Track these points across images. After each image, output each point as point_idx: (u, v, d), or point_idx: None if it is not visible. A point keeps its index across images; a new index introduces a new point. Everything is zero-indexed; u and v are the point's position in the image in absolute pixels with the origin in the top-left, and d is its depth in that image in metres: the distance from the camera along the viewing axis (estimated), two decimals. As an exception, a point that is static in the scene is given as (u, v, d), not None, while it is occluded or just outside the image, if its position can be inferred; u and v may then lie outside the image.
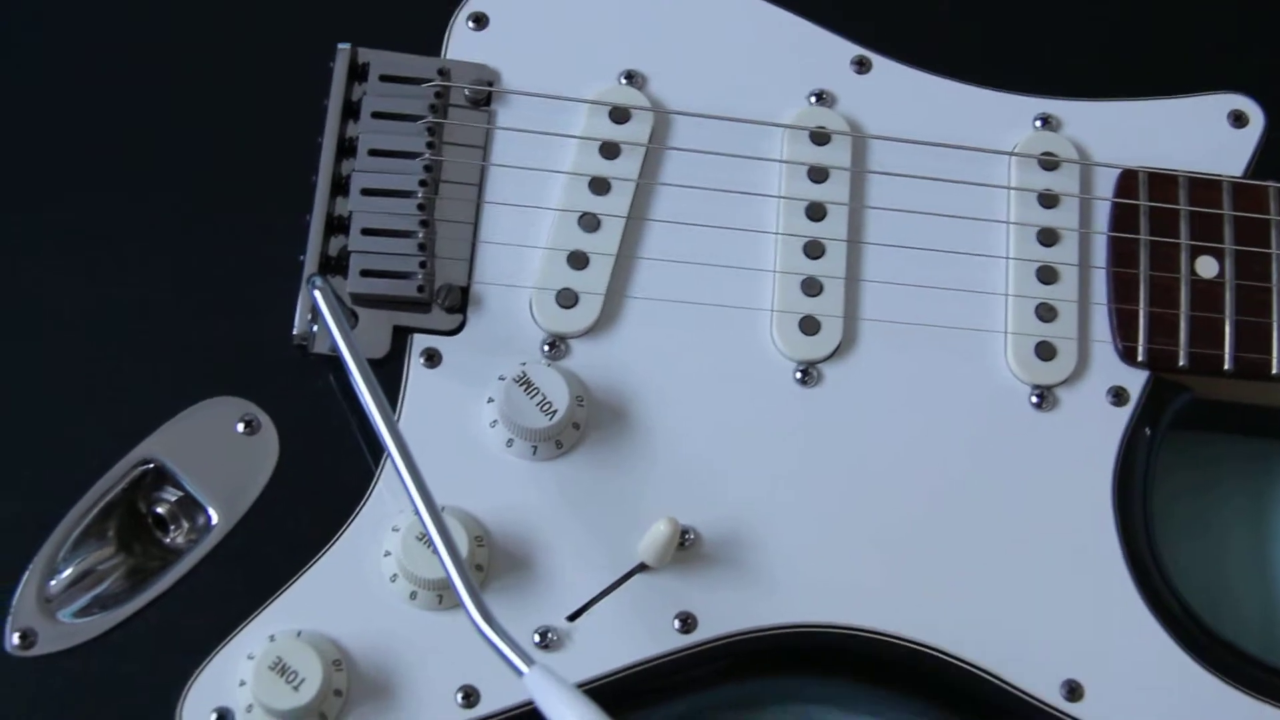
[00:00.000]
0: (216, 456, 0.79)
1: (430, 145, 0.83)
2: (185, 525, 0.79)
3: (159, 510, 0.80)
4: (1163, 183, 0.86)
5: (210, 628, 0.76)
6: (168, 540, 0.79)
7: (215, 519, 0.78)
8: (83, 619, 0.77)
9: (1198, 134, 0.87)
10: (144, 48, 0.85)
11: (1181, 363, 0.83)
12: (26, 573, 0.77)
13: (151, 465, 0.79)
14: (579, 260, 0.83)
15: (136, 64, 0.84)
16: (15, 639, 0.76)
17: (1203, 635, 0.81)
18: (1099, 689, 0.79)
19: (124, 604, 0.77)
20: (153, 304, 0.81)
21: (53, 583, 0.77)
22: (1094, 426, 0.83)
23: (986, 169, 0.86)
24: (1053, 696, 0.79)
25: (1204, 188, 0.86)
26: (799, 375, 0.83)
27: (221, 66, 0.85)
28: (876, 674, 0.81)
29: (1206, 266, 0.85)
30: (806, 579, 0.80)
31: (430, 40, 0.86)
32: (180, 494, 0.79)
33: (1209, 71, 0.88)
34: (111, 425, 0.79)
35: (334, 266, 0.82)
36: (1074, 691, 0.79)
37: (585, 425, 0.81)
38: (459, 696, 0.77)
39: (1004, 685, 0.79)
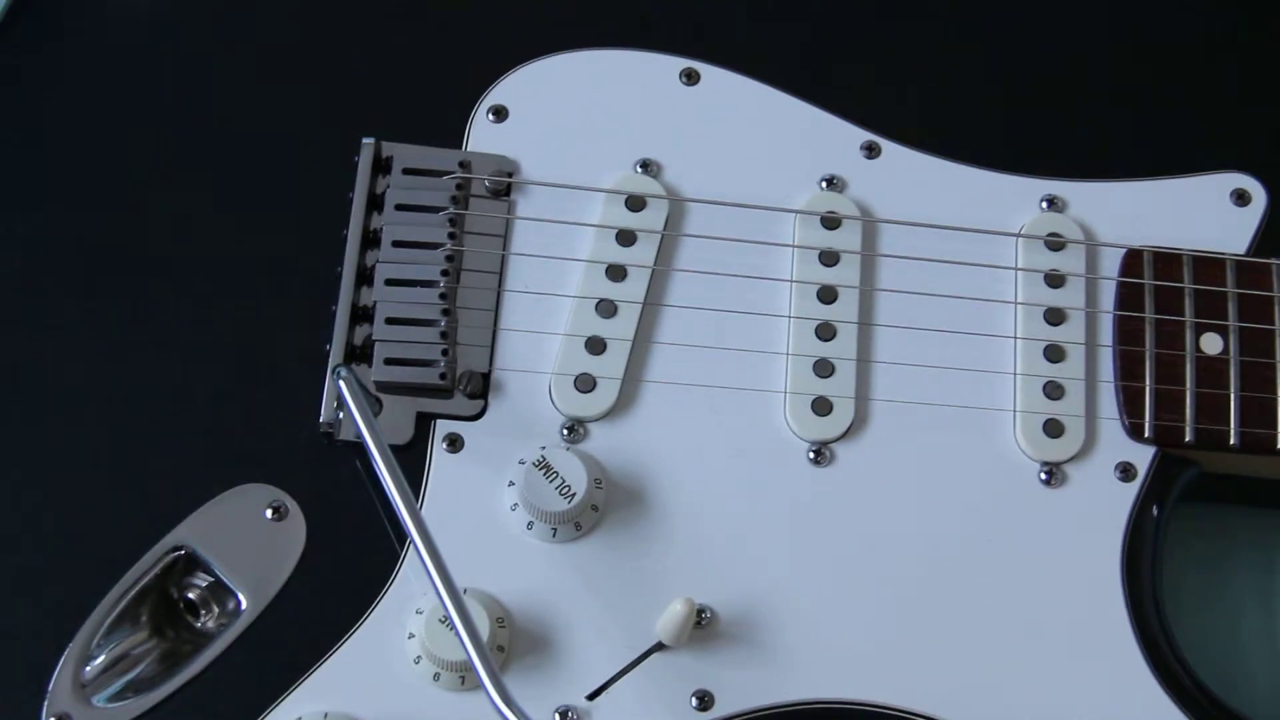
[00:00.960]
0: (246, 542, 0.81)
1: (452, 235, 0.86)
2: (216, 610, 0.81)
3: (190, 595, 0.82)
4: (1167, 261, 0.87)
5: (240, 710, 0.78)
6: (199, 625, 0.81)
7: (245, 603, 0.80)
8: (117, 703, 0.79)
9: (1201, 213, 0.89)
10: (173, 143, 0.87)
11: (1188, 439, 0.85)
12: (63, 658, 0.79)
13: (183, 551, 0.81)
14: (597, 346, 0.85)
15: (167, 157, 0.87)
16: (52, 724, 0.78)
17: (1214, 709, 0.82)
18: (1110, 762, 0.81)
19: (157, 688, 0.79)
20: (182, 393, 0.83)
21: (88, 668, 0.79)
22: (1102, 502, 0.84)
23: (994, 250, 0.88)
24: (1065, 770, 0.81)
25: (1208, 266, 0.87)
26: (812, 455, 0.85)
27: (249, 160, 0.87)
28: (892, 749, 0.82)
29: (1211, 343, 0.86)
30: (822, 655, 0.81)
31: (452, 133, 0.88)
32: (211, 579, 0.81)
33: (1211, 151, 0.90)
34: (143, 512, 0.81)
35: (359, 355, 0.84)
36: (1086, 765, 0.81)
37: (604, 507, 0.83)
38: (482, 775, 0.79)
39: (1016, 759, 0.81)
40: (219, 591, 0.81)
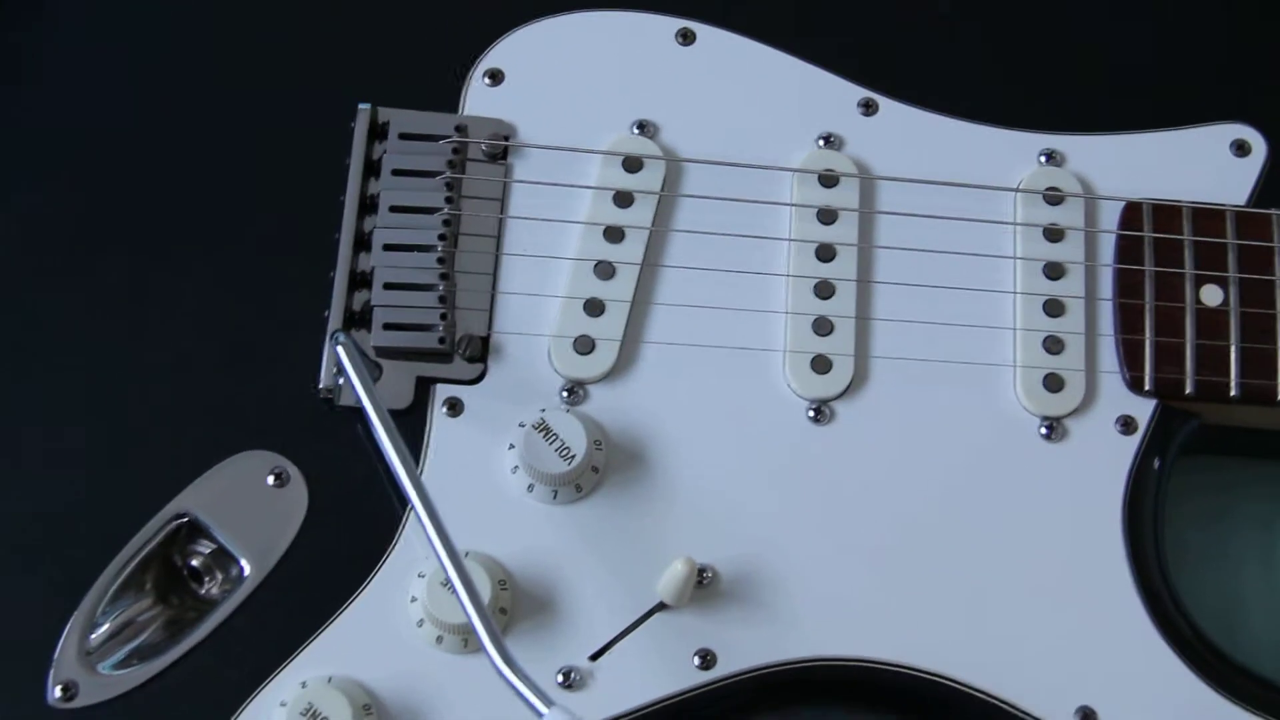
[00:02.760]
0: (248, 509, 0.81)
1: (449, 200, 0.86)
2: (219, 576, 0.82)
3: (194, 563, 0.82)
4: (1166, 214, 0.87)
5: (244, 675, 0.79)
6: (203, 592, 0.82)
7: (248, 570, 0.81)
8: (122, 670, 0.79)
9: (1201, 164, 0.88)
10: (173, 112, 0.87)
11: (1189, 390, 0.85)
12: (67, 627, 0.79)
13: (186, 519, 0.81)
14: (595, 307, 0.85)
15: (163, 125, 0.87)
16: (57, 691, 0.79)
17: (1216, 660, 0.82)
18: (1113, 715, 0.81)
19: (162, 655, 0.79)
20: (183, 361, 0.83)
21: (93, 636, 0.80)
22: (1103, 456, 0.84)
23: (992, 205, 0.88)
24: (1067, 723, 0.81)
25: (1207, 217, 0.87)
26: (812, 413, 0.85)
27: (245, 128, 0.87)
28: (894, 704, 0.82)
29: (1211, 295, 0.86)
30: (824, 613, 0.82)
31: (448, 97, 0.88)
32: (214, 546, 0.82)
33: (1210, 102, 0.89)
34: (146, 481, 0.81)
35: (358, 320, 0.84)
36: (1088, 718, 0.81)
37: (604, 469, 0.83)
38: (486, 737, 0.79)
39: (1019, 713, 0.81)
40: (222, 558, 0.82)
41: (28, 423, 0.82)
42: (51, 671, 0.79)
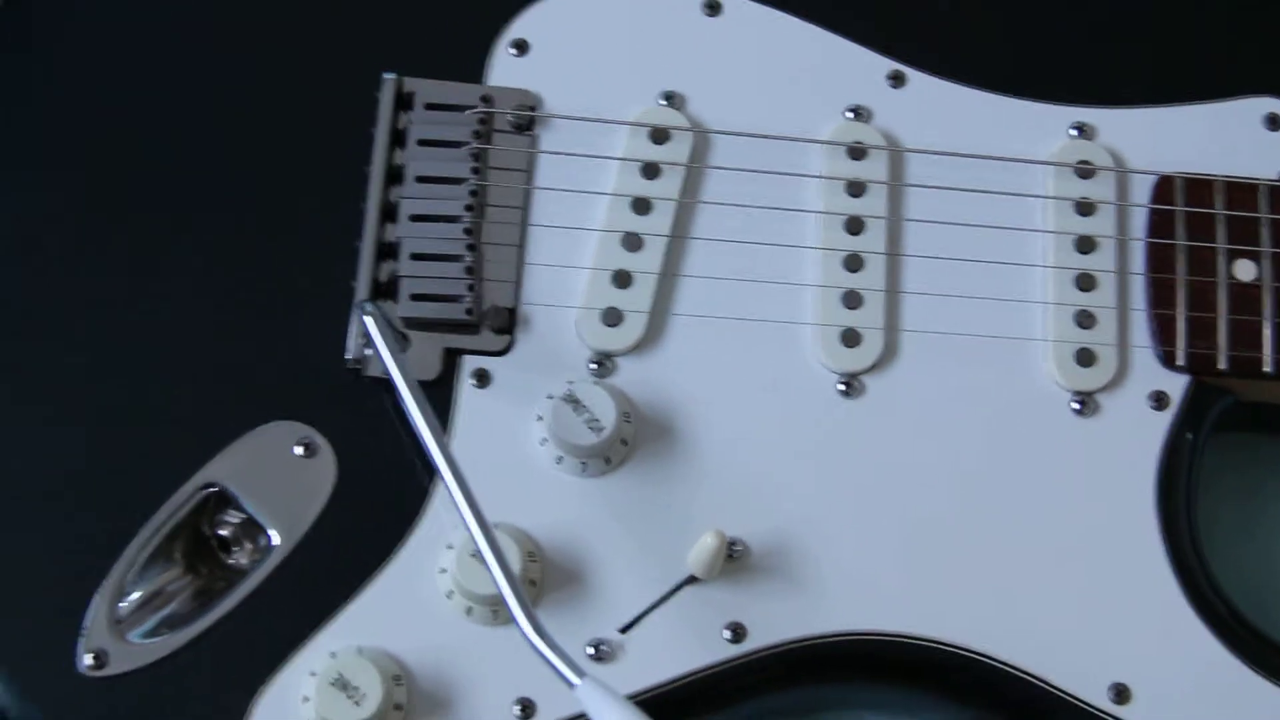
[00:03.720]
0: (276, 479, 0.81)
1: (475, 170, 0.85)
2: (248, 546, 0.81)
3: (222, 532, 0.82)
4: (1199, 188, 0.87)
5: (273, 645, 0.79)
6: (231, 561, 0.82)
7: (276, 540, 0.80)
8: (152, 639, 0.79)
9: (1233, 138, 0.88)
10: (196, 81, 0.87)
11: (1221, 366, 0.85)
12: (97, 595, 0.79)
13: (214, 489, 0.81)
14: (623, 279, 0.85)
15: (189, 97, 0.87)
16: (88, 660, 0.78)
17: (1249, 636, 0.82)
18: (1146, 691, 0.81)
19: (191, 624, 0.79)
20: (210, 331, 0.83)
21: (122, 605, 0.79)
22: (1136, 431, 0.84)
23: (1023, 179, 0.87)
24: (1100, 699, 0.81)
25: (1240, 191, 0.87)
26: (841, 387, 0.84)
27: (271, 98, 0.87)
28: (925, 679, 0.82)
29: (1244, 270, 0.86)
30: (854, 587, 0.81)
31: (473, 67, 0.88)
32: (242, 516, 0.81)
33: (1242, 75, 0.89)
34: (174, 451, 0.81)
35: (385, 291, 0.84)
36: (1121, 694, 0.81)
37: (633, 441, 0.83)
38: (516, 709, 0.79)
39: (1052, 689, 0.81)
40: (250, 528, 0.81)
41: (56, 392, 0.82)
42: (82, 640, 0.79)
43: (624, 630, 0.80)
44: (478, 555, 0.78)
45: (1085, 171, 0.87)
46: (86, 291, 0.83)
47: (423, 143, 0.86)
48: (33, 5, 0.87)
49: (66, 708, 0.78)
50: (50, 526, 0.80)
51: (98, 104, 0.86)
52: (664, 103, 0.88)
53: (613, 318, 0.84)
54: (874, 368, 0.84)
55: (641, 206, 0.86)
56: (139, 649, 0.79)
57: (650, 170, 0.86)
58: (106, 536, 0.79)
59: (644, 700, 0.78)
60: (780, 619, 0.81)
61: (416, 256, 0.84)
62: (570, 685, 0.74)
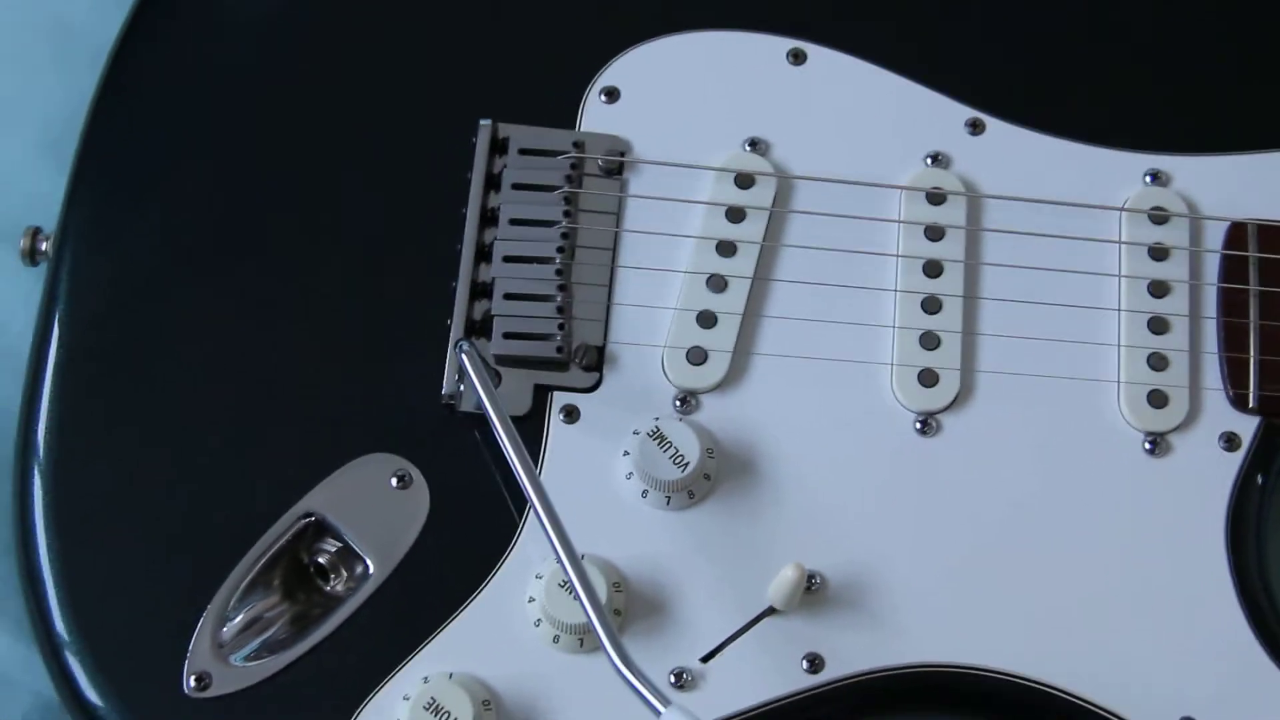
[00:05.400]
0: (372, 510, 0.84)
1: (567, 213, 0.88)
2: (344, 574, 0.85)
3: (320, 560, 0.85)
4: (1271, 234, 0.88)
5: (368, 670, 0.81)
6: (328, 588, 0.85)
7: (372, 568, 0.83)
8: (253, 662, 0.82)
9: (1305, 186, 0.90)
10: (304, 127, 0.90)
11: (1292, 409, 0.86)
12: (202, 620, 0.82)
13: (313, 518, 0.84)
14: (708, 320, 0.87)
15: (294, 141, 0.90)
16: (192, 682, 0.82)
17: (1317, 674, 0.83)
18: (1215, 727, 0.82)
19: (290, 648, 0.82)
20: (313, 367, 0.86)
21: (225, 629, 0.83)
22: (1206, 472, 0.86)
23: (1098, 224, 0.89)
24: (1170, 733, 0.82)
25: (1312, 238, 0.88)
26: (918, 425, 0.87)
27: (372, 142, 0.90)
28: (998, 711, 0.84)
29: (1315, 314, 0.87)
30: (929, 620, 0.83)
31: (566, 114, 0.91)
32: (339, 545, 0.84)
33: (1314, 124, 0.91)
34: (276, 481, 0.84)
35: (478, 329, 0.87)
36: (1190, 729, 0.82)
37: (716, 476, 0.85)
38: (600, 734, 0.82)
39: (1122, 722, 0.82)
40: (347, 556, 0.84)
41: (166, 425, 0.85)
42: (187, 662, 0.82)
43: (705, 659, 0.83)
44: (566, 585, 0.80)
45: (1159, 218, 0.89)
46: (199, 329, 0.87)
47: (516, 186, 0.89)
48: (151, 53, 0.91)
49: (171, 727, 0.82)
50: (159, 552, 0.83)
51: (212, 149, 0.90)
52: (749, 149, 0.90)
53: (697, 356, 0.87)
54: (950, 407, 0.87)
55: (726, 249, 0.89)
56: (240, 671, 0.82)
57: (735, 214, 0.89)
58: (212, 564, 0.83)
59: (724, 728, 0.81)
60: (857, 650, 0.83)
61: (509, 296, 0.87)
62: (656, 712, 0.77)
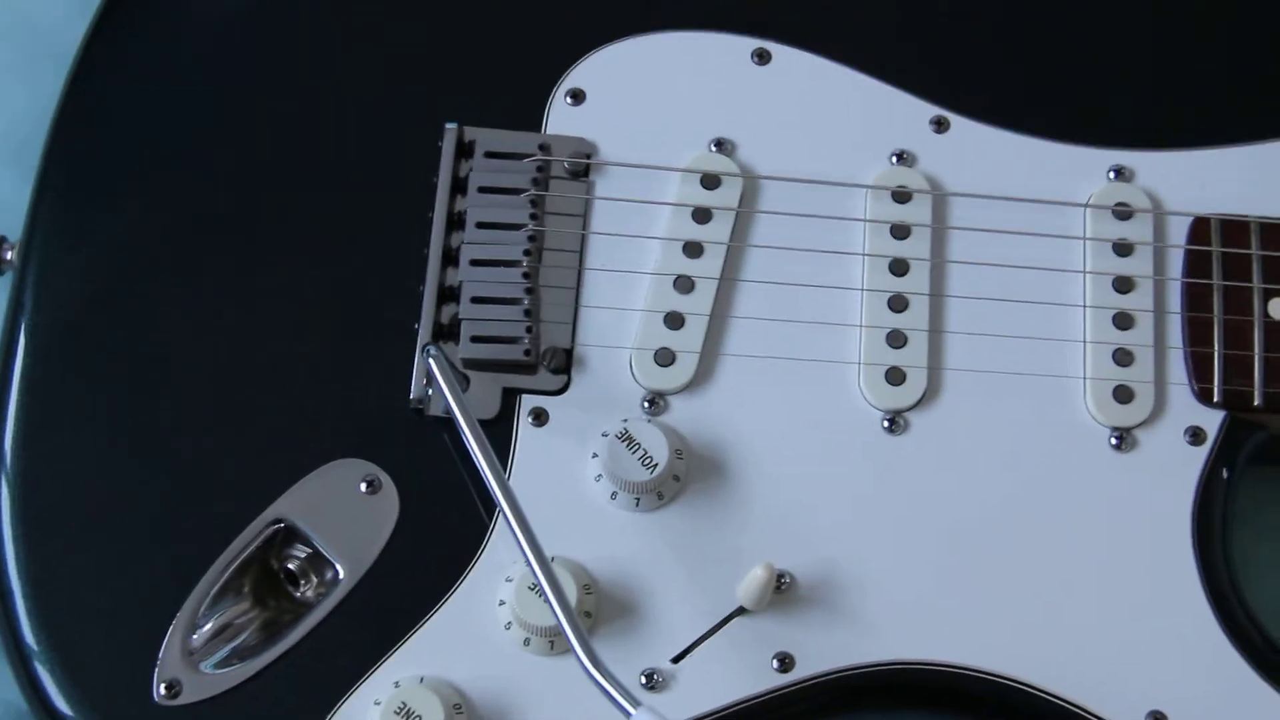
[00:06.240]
0: (342, 515, 0.84)
1: (534, 216, 0.88)
2: (314, 580, 0.85)
3: (290, 566, 0.85)
4: (1234, 229, 0.89)
5: (339, 675, 0.82)
6: (298, 594, 0.85)
7: (342, 574, 0.83)
8: (222, 669, 0.82)
9: (1268, 180, 0.90)
10: (264, 133, 0.90)
11: (1257, 402, 0.87)
12: (171, 627, 0.82)
13: (282, 524, 0.84)
14: (675, 321, 0.88)
15: (259, 145, 0.90)
16: (162, 689, 0.82)
17: (1286, 667, 0.84)
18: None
19: (260, 655, 0.82)
20: (279, 373, 0.86)
21: (195, 636, 0.83)
22: (1172, 466, 0.86)
23: (1063, 221, 0.90)
24: (1138, 727, 0.83)
25: (1275, 232, 0.89)
26: (886, 424, 0.87)
27: (339, 146, 0.90)
28: (968, 707, 0.84)
29: (1279, 309, 0.88)
30: (898, 618, 0.84)
31: (531, 117, 0.91)
32: (309, 551, 0.84)
33: (1275, 118, 0.91)
34: (244, 488, 0.84)
35: (446, 333, 0.87)
36: (1159, 722, 0.83)
37: (685, 477, 0.85)
38: (572, 737, 0.82)
39: (1090, 717, 0.83)
40: (317, 562, 0.84)
41: (135, 431, 0.85)
42: (157, 670, 0.82)
43: (676, 660, 0.83)
44: (536, 588, 0.81)
45: (1123, 213, 0.90)
46: (165, 337, 0.86)
47: (483, 190, 0.89)
48: (117, 56, 0.91)
49: (141, 734, 0.81)
50: (127, 560, 0.83)
51: (178, 154, 0.90)
52: (715, 149, 0.91)
53: (665, 358, 0.87)
54: (917, 405, 0.87)
55: (693, 250, 0.89)
56: (210, 679, 0.82)
57: (701, 215, 0.89)
58: (180, 571, 0.83)
59: (695, 728, 0.81)
60: (827, 649, 0.83)
61: (477, 300, 0.87)
62: (626, 713, 0.77)
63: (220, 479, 0.85)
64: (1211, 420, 0.87)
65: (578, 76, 0.91)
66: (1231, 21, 0.93)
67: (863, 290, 0.88)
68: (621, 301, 0.88)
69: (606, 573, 0.84)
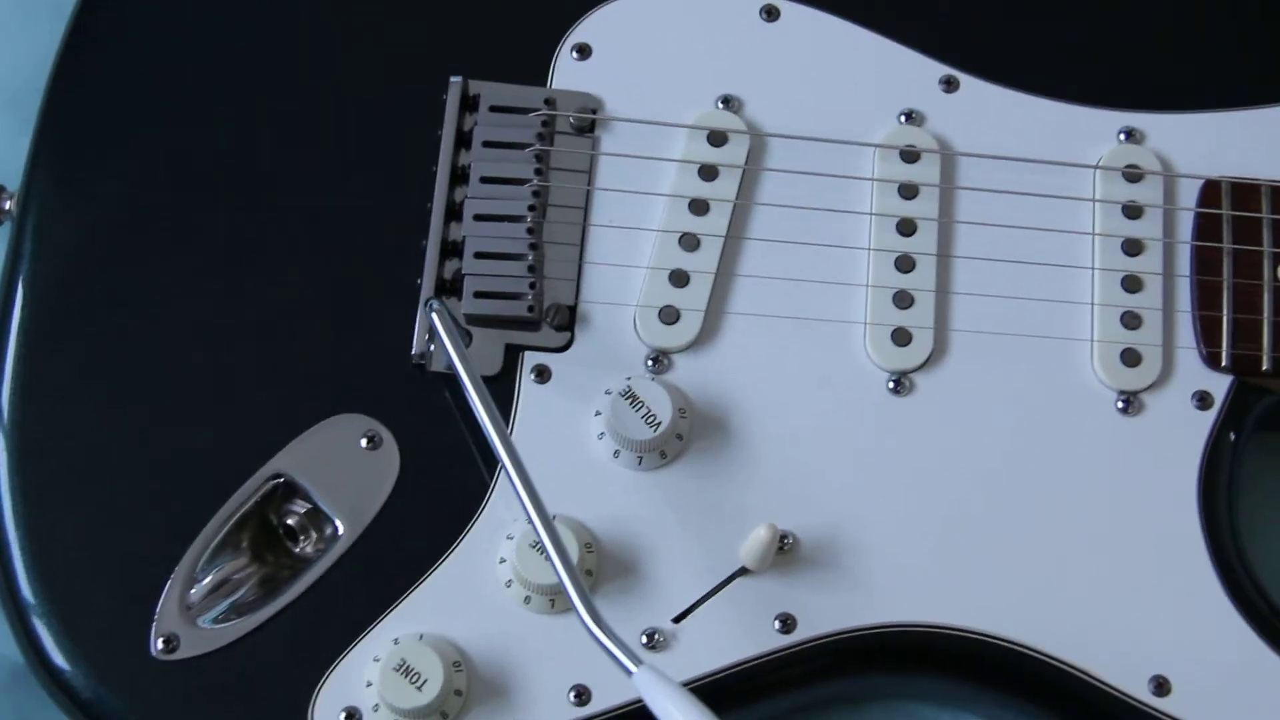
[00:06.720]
0: (342, 471, 0.83)
1: (538, 172, 0.88)
2: (314, 536, 0.84)
3: (289, 522, 0.84)
4: (1245, 192, 0.88)
5: (338, 632, 0.81)
6: (297, 550, 0.84)
7: (341, 529, 0.83)
8: (221, 625, 0.82)
9: (1279, 143, 0.89)
10: (266, 85, 0.89)
11: (1265, 367, 0.86)
12: (169, 582, 0.82)
13: (282, 480, 0.84)
14: (680, 278, 0.87)
15: (260, 99, 0.89)
16: (160, 644, 0.81)
17: (1290, 633, 0.83)
18: (1186, 685, 0.82)
19: (258, 610, 0.82)
20: (279, 327, 0.86)
21: (193, 591, 0.82)
22: (1179, 430, 0.86)
23: (1072, 182, 0.89)
24: (1141, 692, 0.82)
25: (1286, 196, 0.88)
26: (892, 385, 0.86)
27: (341, 100, 0.89)
28: (970, 670, 0.84)
29: (1289, 273, 0.87)
30: (901, 580, 0.83)
31: (537, 71, 0.90)
32: (309, 506, 0.84)
33: (1288, 82, 0.90)
34: (244, 442, 0.84)
35: (449, 289, 0.86)
36: (1161, 687, 0.82)
37: (688, 436, 0.85)
38: (571, 695, 0.81)
39: (1093, 681, 0.82)
40: (316, 518, 0.84)
41: (134, 385, 0.84)
42: (154, 625, 0.81)
43: (677, 620, 0.82)
44: (537, 545, 0.80)
45: (1133, 175, 0.89)
46: (165, 290, 0.86)
47: (487, 144, 0.88)
48: (115, 7, 0.90)
49: (139, 690, 0.81)
50: (126, 514, 0.83)
51: (178, 106, 0.89)
52: (722, 106, 0.90)
53: (670, 316, 0.86)
54: (923, 366, 0.86)
55: (699, 207, 0.88)
56: (208, 634, 0.81)
57: (708, 172, 0.89)
58: (178, 525, 0.82)
59: (696, 688, 0.80)
60: (829, 611, 0.83)
61: (480, 255, 0.86)
62: (628, 672, 0.77)
63: (220, 433, 0.84)
64: (1219, 385, 0.86)
65: (584, 31, 0.90)
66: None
67: (870, 250, 0.88)
68: (626, 258, 0.87)
69: (608, 531, 0.83)
